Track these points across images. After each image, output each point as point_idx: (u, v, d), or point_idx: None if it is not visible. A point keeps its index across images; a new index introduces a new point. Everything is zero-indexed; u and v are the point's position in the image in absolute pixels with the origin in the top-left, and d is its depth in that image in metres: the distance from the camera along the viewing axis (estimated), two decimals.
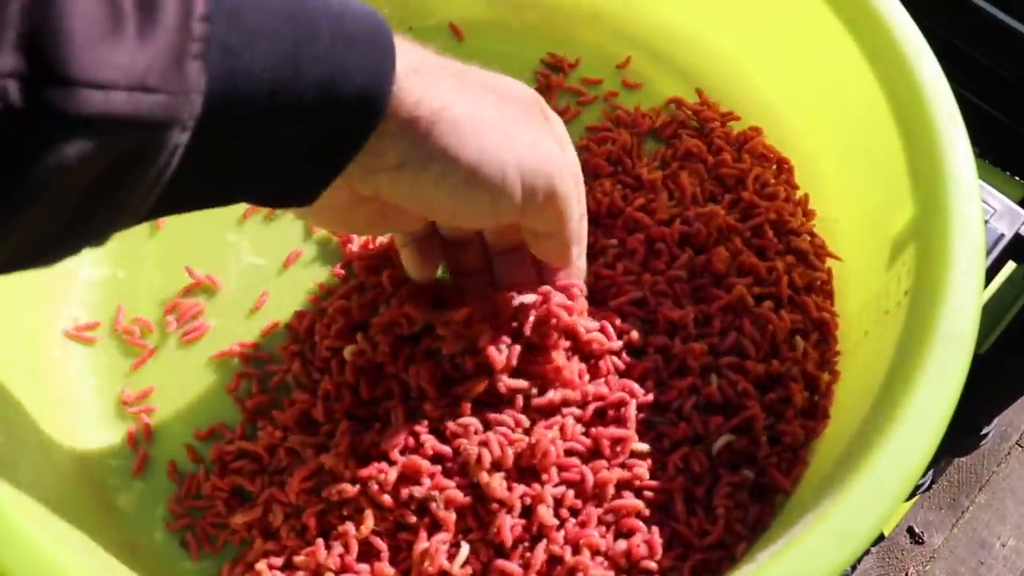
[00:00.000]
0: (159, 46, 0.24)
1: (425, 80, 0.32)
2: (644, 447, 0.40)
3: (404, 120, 0.31)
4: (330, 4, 0.29)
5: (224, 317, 0.48)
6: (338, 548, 0.38)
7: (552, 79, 0.56)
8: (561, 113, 0.55)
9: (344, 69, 0.29)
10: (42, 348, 0.46)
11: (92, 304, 0.48)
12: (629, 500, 0.39)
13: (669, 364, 0.42)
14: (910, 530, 1.02)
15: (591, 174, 0.51)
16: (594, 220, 0.48)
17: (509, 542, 0.37)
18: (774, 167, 0.50)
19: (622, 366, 0.42)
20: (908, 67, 0.42)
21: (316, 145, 0.30)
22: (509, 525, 0.37)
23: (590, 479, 0.39)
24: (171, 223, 0.50)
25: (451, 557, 0.37)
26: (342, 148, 0.31)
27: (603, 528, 0.38)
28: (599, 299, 0.45)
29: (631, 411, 0.40)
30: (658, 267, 0.45)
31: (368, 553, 0.39)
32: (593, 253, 0.47)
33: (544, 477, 0.38)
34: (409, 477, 0.39)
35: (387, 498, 0.38)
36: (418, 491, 0.38)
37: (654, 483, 0.39)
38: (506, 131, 0.34)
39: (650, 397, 0.41)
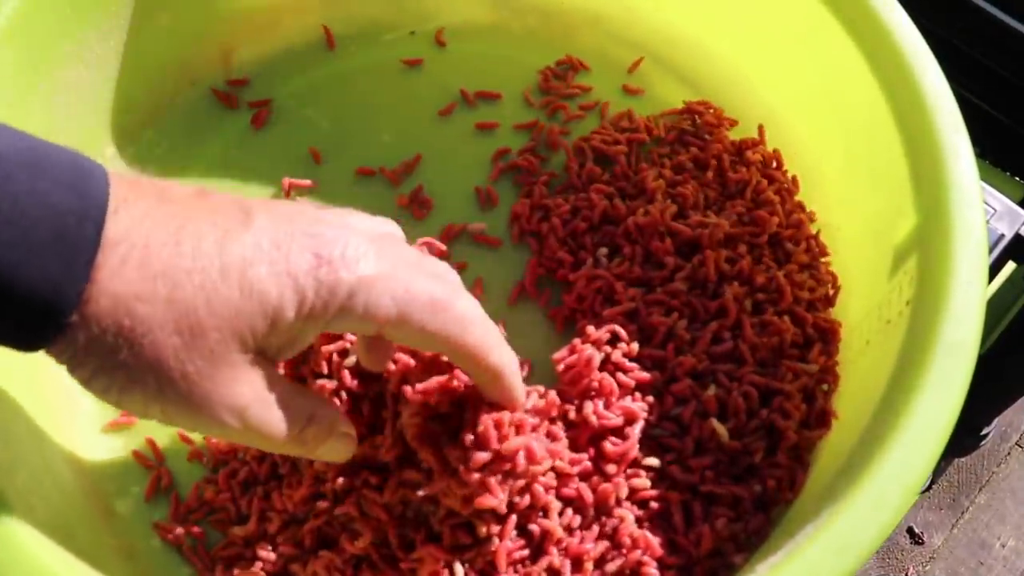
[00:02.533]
0: None
1: (121, 282, 0.28)
2: (654, 461, 0.40)
3: (91, 333, 0.28)
4: (15, 202, 0.26)
5: None
6: (336, 560, 0.38)
7: (553, 84, 0.56)
8: (562, 116, 0.55)
9: (13, 277, 0.26)
10: (40, 352, 0.46)
11: None
12: (628, 512, 0.39)
13: (665, 374, 0.42)
14: (910, 530, 1.02)
15: (590, 180, 0.51)
16: (592, 227, 0.48)
17: (503, 564, 0.37)
18: (779, 174, 0.50)
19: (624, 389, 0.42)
20: (910, 74, 0.41)
21: None
22: (506, 551, 0.37)
23: (589, 497, 0.38)
24: None
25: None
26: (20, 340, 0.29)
27: (603, 541, 0.38)
28: (595, 306, 0.44)
29: (634, 431, 0.40)
30: (657, 276, 0.45)
31: (367, 565, 0.38)
32: (589, 259, 0.47)
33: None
34: (404, 485, 0.38)
35: (382, 512, 0.38)
36: (414, 499, 0.38)
37: (654, 492, 0.39)
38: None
39: (652, 417, 0.41)
